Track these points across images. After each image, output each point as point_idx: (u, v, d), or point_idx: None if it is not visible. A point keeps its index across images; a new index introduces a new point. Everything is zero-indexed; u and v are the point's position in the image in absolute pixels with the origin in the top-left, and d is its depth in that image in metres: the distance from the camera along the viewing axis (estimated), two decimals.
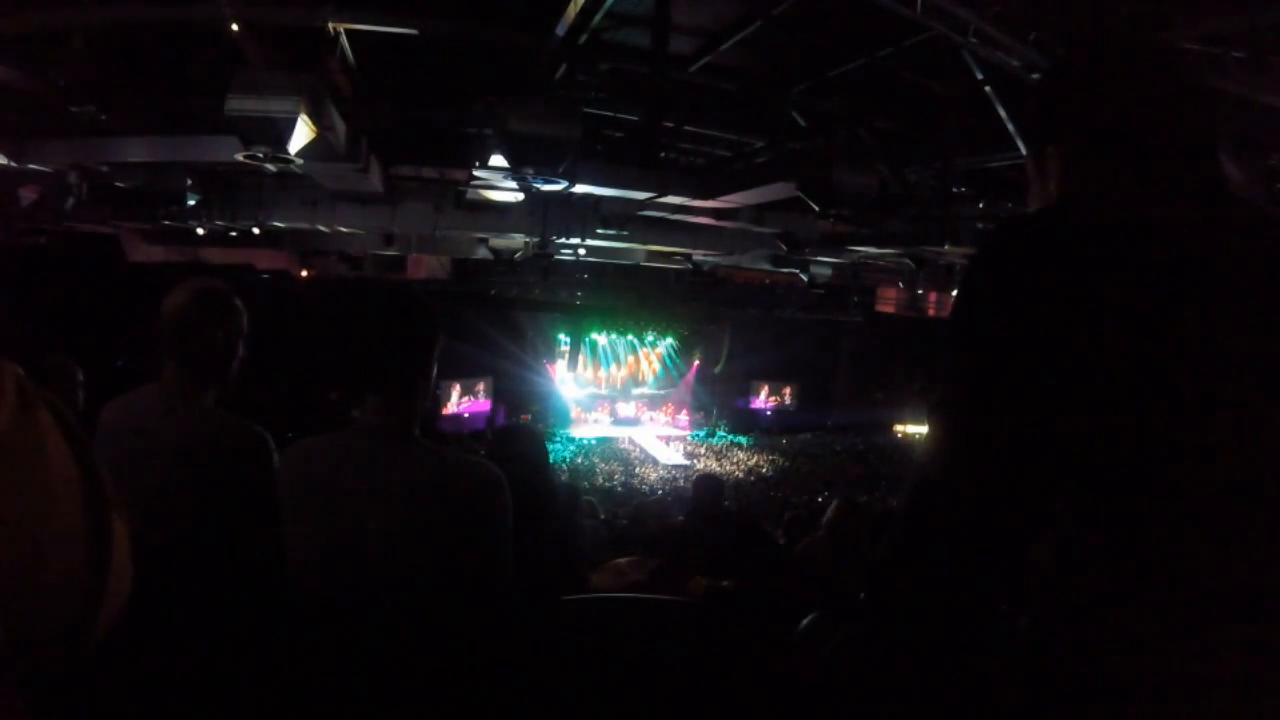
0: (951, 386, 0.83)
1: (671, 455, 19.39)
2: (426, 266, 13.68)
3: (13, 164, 6.69)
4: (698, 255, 11.64)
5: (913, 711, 0.90)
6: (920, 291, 13.16)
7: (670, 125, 7.62)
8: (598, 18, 5.37)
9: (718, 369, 22.17)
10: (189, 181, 7.81)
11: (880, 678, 0.96)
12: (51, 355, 3.27)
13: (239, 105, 4.91)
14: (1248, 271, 0.78)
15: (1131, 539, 0.75)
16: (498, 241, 10.24)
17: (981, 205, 9.44)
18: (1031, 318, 0.77)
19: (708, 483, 4.78)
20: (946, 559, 0.81)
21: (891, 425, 21.17)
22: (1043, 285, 0.77)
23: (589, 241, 9.49)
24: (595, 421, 21.19)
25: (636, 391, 22.03)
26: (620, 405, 21.71)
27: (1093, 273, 0.76)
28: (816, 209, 6.96)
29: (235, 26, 5.14)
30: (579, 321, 20.49)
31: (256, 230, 9.04)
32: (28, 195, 7.46)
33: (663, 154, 8.00)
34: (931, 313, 15.32)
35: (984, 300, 0.83)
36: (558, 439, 18.92)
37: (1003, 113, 5.87)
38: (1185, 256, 0.78)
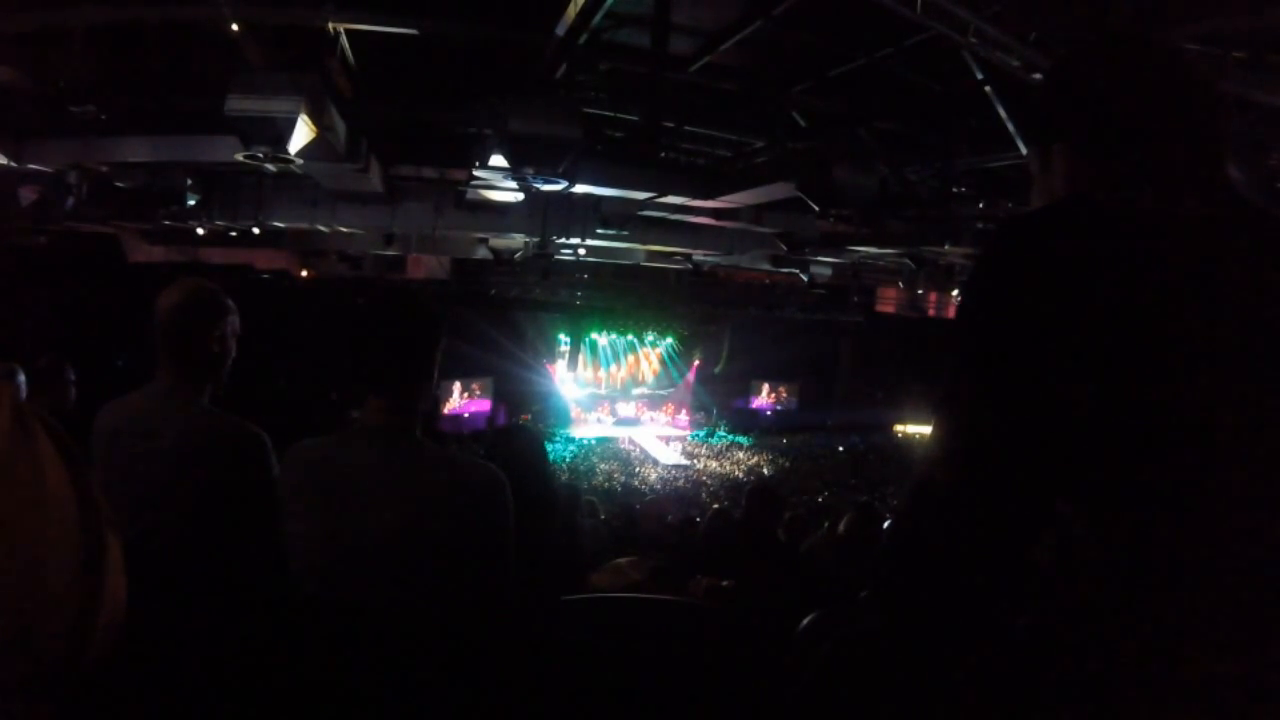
0: (956, 385, 0.83)
1: (671, 455, 19.39)
2: (426, 266, 13.67)
3: (13, 164, 6.68)
4: (698, 255, 11.64)
5: (914, 710, 0.90)
6: (920, 291, 13.14)
7: (670, 125, 7.62)
8: (598, 18, 5.37)
9: (718, 369, 22.15)
10: (189, 181, 7.81)
11: (881, 677, 0.96)
12: (44, 354, 3.27)
13: (239, 105, 4.92)
14: (1251, 271, 0.78)
15: (1132, 539, 0.75)
16: (498, 241, 10.23)
17: (981, 205, 9.43)
18: (1036, 316, 0.77)
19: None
20: (948, 558, 0.81)
21: (891, 425, 21.17)
22: (1047, 284, 0.77)
23: (589, 241, 9.50)
24: (596, 421, 21.18)
25: (636, 391, 22.01)
26: (620, 405, 21.70)
27: (1097, 271, 0.76)
28: (816, 209, 6.96)
29: (235, 26, 5.14)
30: (579, 321, 20.48)
31: (256, 230, 9.05)
32: (28, 195, 7.45)
33: (663, 154, 8.00)
34: (931, 313, 15.31)
35: (989, 298, 0.83)
36: (558, 439, 18.91)
37: (1003, 113, 5.85)
38: (1190, 255, 0.78)
